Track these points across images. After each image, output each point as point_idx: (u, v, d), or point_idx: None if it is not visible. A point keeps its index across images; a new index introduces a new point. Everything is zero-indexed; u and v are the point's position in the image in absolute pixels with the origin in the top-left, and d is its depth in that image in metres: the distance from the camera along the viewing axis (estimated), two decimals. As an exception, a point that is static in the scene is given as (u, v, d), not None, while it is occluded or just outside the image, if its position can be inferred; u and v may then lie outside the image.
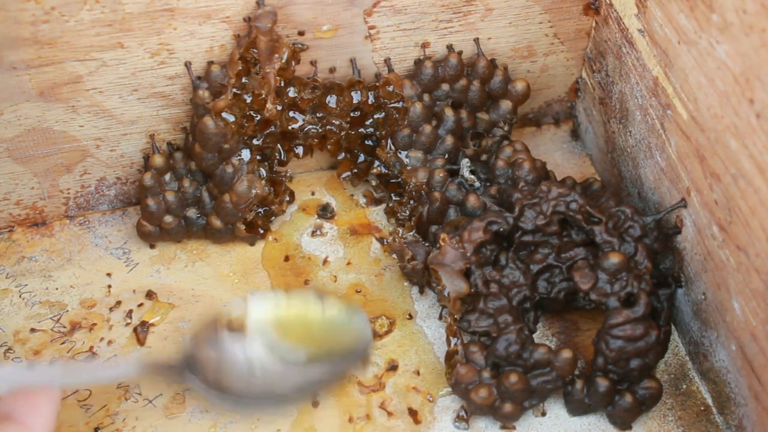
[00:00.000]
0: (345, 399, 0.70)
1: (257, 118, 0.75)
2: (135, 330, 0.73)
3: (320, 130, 0.78)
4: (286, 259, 0.78)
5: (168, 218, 0.76)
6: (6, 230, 0.79)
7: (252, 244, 0.78)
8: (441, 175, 0.75)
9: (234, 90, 0.73)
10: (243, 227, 0.77)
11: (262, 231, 0.78)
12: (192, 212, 0.76)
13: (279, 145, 0.79)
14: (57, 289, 0.75)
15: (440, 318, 0.75)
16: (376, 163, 0.80)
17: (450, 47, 0.78)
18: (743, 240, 0.62)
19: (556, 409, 0.71)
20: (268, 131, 0.77)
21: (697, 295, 0.70)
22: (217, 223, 0.76)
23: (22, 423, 0.56)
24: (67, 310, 0.74)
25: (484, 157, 0.78)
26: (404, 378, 0.72)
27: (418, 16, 0.76)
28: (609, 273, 0.68)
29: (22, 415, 0.56)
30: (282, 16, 0.73)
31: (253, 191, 0.75)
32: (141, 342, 0.73)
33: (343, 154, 0.81)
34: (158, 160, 0.76)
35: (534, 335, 0.72)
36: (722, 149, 0.63)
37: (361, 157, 0.81)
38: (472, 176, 0.75)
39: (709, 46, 0.62)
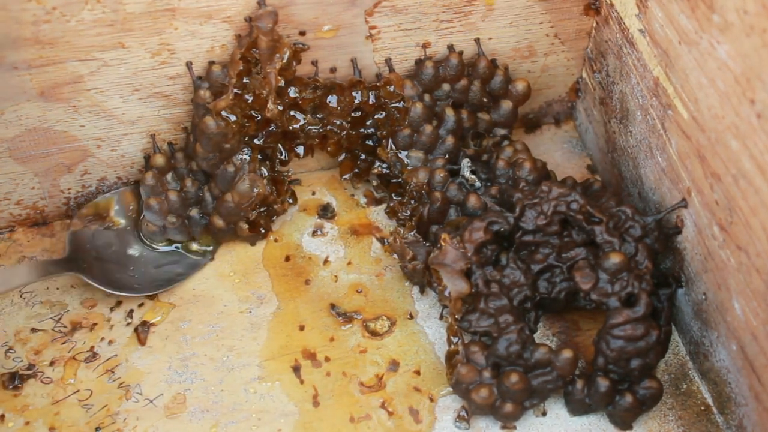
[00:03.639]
0: (346, 398, 0.70)
1: (258, 118, 0.75)
2: (136, 330, 0.73)
3: (321, 130, 0.78)
4: (287, 259, 0.78)
5: (171, 218, 0.76)
6: (6, 230, 0.79)
7: (253, 243, 0.78)
8: (442, 175, 0.75)
9: (235, 90, 0.73)
10: (246, 226, 0.77)
11: (263, 231, 0.78)
12: (195, 212, 0.77)
13: (280, 145, 0.79)
14: (58, 288, 0.75)
15: (441, 318, 0.75)
16: (377, 163, 0.80)
17: (451, 47, 0.79)
18: (744, 240, 0.62)
19: (556, 408, 0.71)
20: (268, 130, 0.77)
21: (698, 295, 0.70)
22: (219, 222, 0.76)
23: None
24: (68, 310, 0.74)
25: (484, 157, 0.78)
26: (405, 378, 0.72)
27: (418, 16, 0.76)
28: (609, 273, 0.68)
29: None
30: (283, 16, 0.73)
31: (255, 190, 0.75)
32: (142, 342, 0.73)
33: (343, 155, 0.81)
34: (159, 159, 0.76)
35: (535, 335, 0.72)
36: (723, 149, 0.63)
37: (362, 157, 0.81)
38: (473, 176, 0.75)
39: (709, 46, 0.62)
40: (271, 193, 0.77)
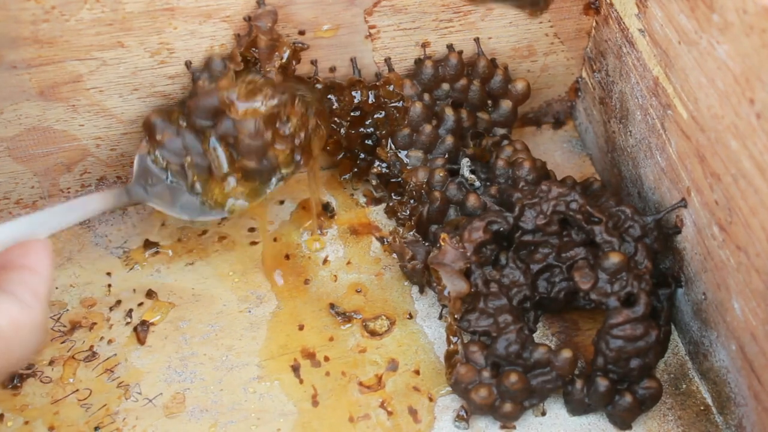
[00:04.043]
0: (345, 398, 0.70)
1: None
2: (135, 329, 0.73)
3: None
4: (287, 258, 0.78)
5: (188, 158, 0.73)
6: (6, 229, 0.78)
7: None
8: (441, 174, 0.75)
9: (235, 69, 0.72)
10: (282, 149, 0.72)
11: (300, 156, 0.74)
12: (221, 151, 0.73)
13: None
14: (57, 288, 0.75)
15: (440, 317, 0.75)
16: (377, 162, 0.80)
17: (450, 47, 0.78)
18: (743, 240, 0.62)
19: (556, 408, 0.71)
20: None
21: (697, 294, 0.70)
22: (251, 164, 0.72)
23: (21, 266, 0.55)
24: (67, 309, 0.74)
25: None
26: (404, 377, 0.72)
27: (418, 16, 0.76)
28: (609, 273, 0.68)
29: (19, 260, 0.56)
30: (282, 16, 0.73)
31: (258, 124, 0.71)
32: (141, 341, 0.73)
33: (342, 154, 0.81)
34: (156, 112, 0.73)
35: (534, 335, 0.72)
36: (722, 149, 0.63)
37: (362, 157, 0.81)
38: (473, 176, 0.75)
39: (709, 46, 0.62)
40: (275, 106, 0.72)
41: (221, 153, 0.72)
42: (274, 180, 0.74)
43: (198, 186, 0.73)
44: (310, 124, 0.74)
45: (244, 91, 0.71)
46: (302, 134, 0.73)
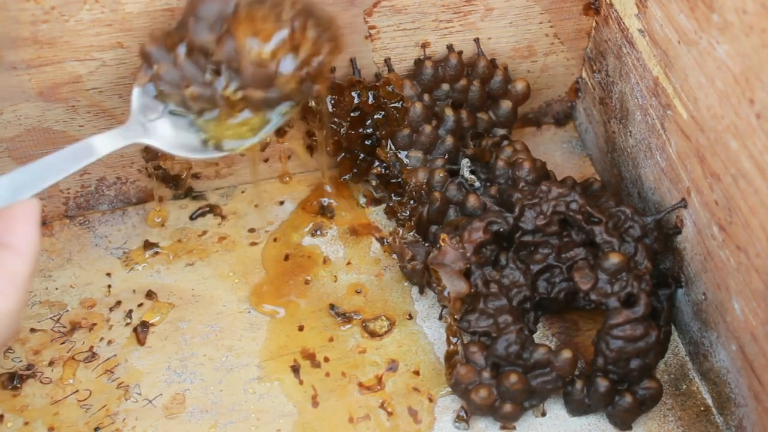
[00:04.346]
0: (345, 399, 0.70)
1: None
2: (135, 330, 0.73)
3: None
4: (286, 258, 0.78)
5: (191, 90, 0.66)
6: (6, 230, 0.78)
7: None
8: (441, 175, 0.75)
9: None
10: (289, 77, 0.66)
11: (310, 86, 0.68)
12: (230, 86, 0.66)
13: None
14: (57, 288, 0.75)
15: (440, 318, 0.75)
16: (376, 163, 0.80)
17: (450, 47, 0.78)
18: (743, 240, 0.62)
19: (556, 409, 0.71)
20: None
21: (697, 295, 0.70)
22: (257, 94, 0.66)
23: (3, 245, 0.52)
24: (67, 310, 0.74)
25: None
26: (404, 378, 0.72)
27: (418, 16, 0.76)
28: (609, 273, 0.68)
29: (2, 237, 0.53)
30: (282, 16, 0.72)
31: (261, 46, 0.65)
32: (141, 342, 0.73)
33: (342, 154, 0.81)
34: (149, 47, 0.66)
35: (534, 335, 0.72)
36: (722, 149, 0.63)
37: (362, 157, 0.81)
38: (473, 176, 0.75)
39: (709, 46, 0.62)
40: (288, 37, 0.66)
41: (228, 82, 0.66)
42: (280, 109, 0.67)
43: (207, 116, 0.67)
44: (323, 50, 0.67)
45: (261, 29, 0.65)
46: (314, 62, 0.67)
